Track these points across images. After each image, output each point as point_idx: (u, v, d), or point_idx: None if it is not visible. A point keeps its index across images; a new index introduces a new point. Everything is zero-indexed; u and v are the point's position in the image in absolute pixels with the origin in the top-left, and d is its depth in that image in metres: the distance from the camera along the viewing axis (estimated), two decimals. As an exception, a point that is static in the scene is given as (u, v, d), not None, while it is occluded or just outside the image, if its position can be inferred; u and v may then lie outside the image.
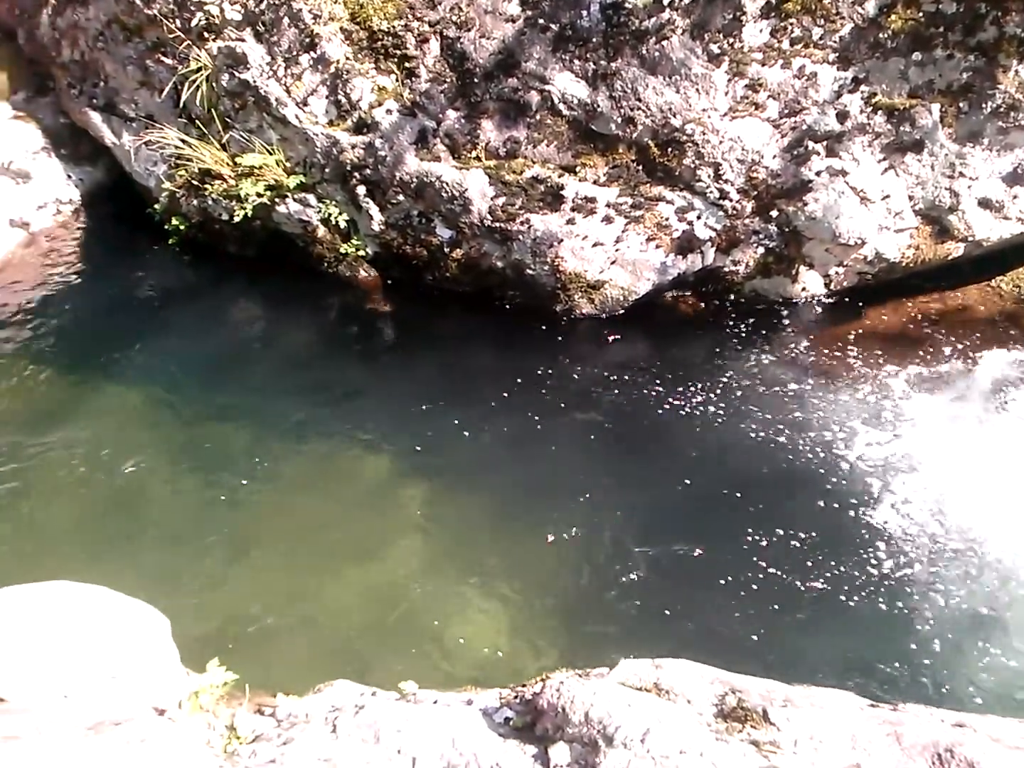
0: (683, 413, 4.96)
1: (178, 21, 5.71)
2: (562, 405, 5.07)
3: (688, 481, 4.56)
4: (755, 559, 4.11)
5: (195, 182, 6.00)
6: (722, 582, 4.02)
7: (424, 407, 5.12)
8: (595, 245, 5.41)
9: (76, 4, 6.27)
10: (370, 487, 4.75)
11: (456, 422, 5.00)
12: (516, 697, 2.48)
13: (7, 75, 7.23)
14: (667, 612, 3.91)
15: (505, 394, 5.15)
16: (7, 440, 4.97)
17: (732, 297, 5.65)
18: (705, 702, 2.30)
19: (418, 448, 4.89)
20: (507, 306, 5.73)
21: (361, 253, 5.93)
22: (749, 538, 4.21)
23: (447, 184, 5.46)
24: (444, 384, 5.27)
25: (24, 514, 4.52)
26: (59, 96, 6.94)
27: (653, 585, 4.02)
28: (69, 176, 6.81)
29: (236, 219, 5.86)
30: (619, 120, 5.25)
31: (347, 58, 5.50)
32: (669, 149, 5.25)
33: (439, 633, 3.92)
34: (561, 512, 4.43)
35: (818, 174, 5.23)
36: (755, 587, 3.98)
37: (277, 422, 5.11)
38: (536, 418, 4.99)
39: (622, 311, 5.56)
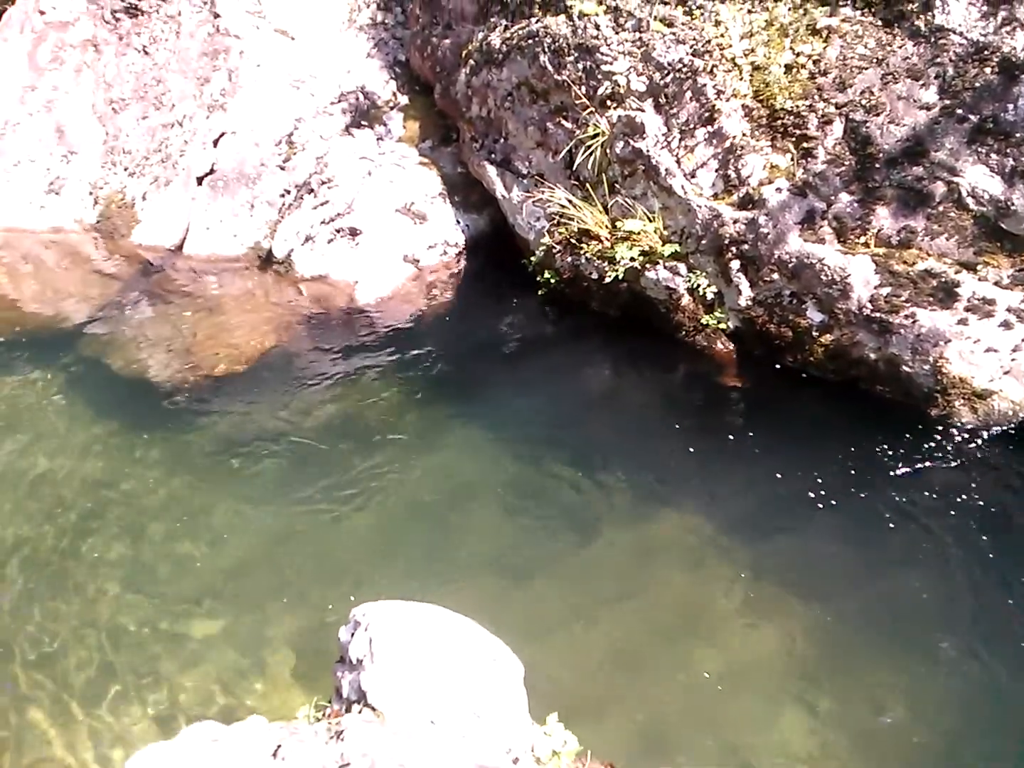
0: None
1: (584, 88, 6.01)
2: (928, 532, 4.66)
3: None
4: None
5: (573, 240, 6.27)
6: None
7: (773, 505, 4.93)
8: (988, 351, 4.96)
9: (492, 66, 6.81)
10: (694, 565, 4.65)
11: (806, 527, 4.78)
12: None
13: (419, 124, 8.03)
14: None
15: (863, 508, 4.80)
16: (365, 455, 5.40)
17: None
18: None
19: (758, 544, 4.71)
20: (870, 400, 5.39)
21: (722, 326, 5.88)
22: None
23: (828, 267, 5.27)
24: (795, 482, 5.00)
25: (374, 531, 4.87)
26: (461, 147, 7.58)
27: None
28: (458, 221, 7.38)
29: (606, 280, 6.04)
30: (1036, 221, 4.81)
31: (743, 134, 5.50)
32: (1093, 258, 4.72)
33: (752, 741, 3.74)
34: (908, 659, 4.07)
35: None
36: None
37: (616, 483, 5.15)
38: (893, 539, 4.63)
39: (1009, 427, 5.03)
